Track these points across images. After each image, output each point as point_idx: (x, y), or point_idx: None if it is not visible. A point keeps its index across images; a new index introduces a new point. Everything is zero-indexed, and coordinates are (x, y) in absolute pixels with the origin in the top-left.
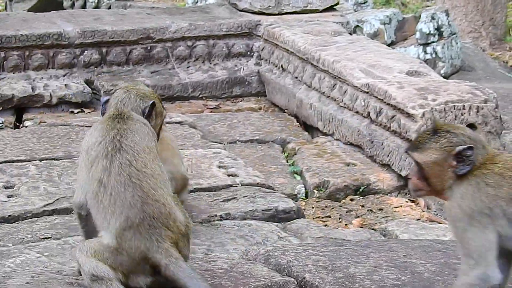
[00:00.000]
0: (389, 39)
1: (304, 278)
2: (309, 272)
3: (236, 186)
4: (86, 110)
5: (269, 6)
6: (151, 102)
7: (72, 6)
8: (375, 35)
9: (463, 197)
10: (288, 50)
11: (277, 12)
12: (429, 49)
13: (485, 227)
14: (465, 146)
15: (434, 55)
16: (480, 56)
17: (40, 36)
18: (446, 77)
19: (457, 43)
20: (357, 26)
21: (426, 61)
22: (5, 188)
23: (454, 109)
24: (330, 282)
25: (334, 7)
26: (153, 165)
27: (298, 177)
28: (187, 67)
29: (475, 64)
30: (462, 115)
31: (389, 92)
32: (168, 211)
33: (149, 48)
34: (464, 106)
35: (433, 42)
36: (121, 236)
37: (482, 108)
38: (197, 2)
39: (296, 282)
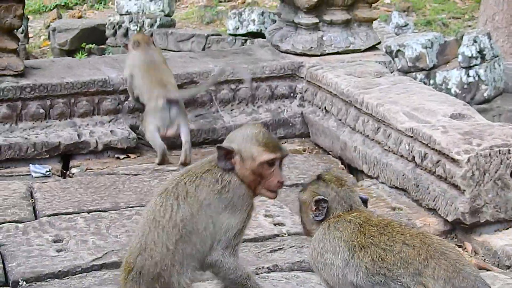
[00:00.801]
0: (431, 63)
1: None
2: None
3: (283, 236)
4: (132, 156)
5: (311, 47)
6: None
7: (114, 34)
8: (417, 59)
9: (315, 239)
10: (331, 92)
11: (319, 53)
12: (471, 72)
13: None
14: (321, 198)
15: (477, 78)
16: None
17: (85, 84)
18: (489, 100)
19: (499, 65)
20: (399, 50)
21: (469, 84)
22: (54, 242)
23: (500, 153)
24: None
25: (376, 46)
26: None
27: None
28: (231, 110)
29: None
30: (508, 159)
31: (433, 137)
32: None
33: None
34: (509, 150)
35: (475, 65)
36: None
37: None
38: (237, 28)
39: None
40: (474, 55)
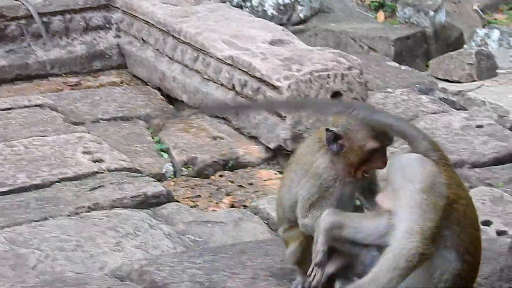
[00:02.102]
0: None
1: None
2: None
3: (103, 173)
4: None
5: None
6: None
7: None
8: None
9: None
10: (148, 22)
11: None
12: None
13: None
14: None
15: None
16: None
17: None
18: (305, 20)
19: None
20: None
21: (285, 5)
22: None
23: (320, 78)
24: None
25: None
26: None
27: (166, 155)
28: (44, 44)
29: (333, 5)
30: (327, 83)
31: (253, 64)
32: None
33: (2, 27)
34: (329, 75)
35: None
36: None
37: (347, 76)
38: None
39: None
40: None
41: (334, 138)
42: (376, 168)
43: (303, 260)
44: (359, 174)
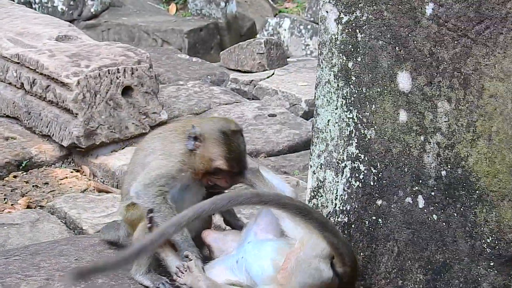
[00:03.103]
0: None
1: None
2: None
3: None
4: None
5: None
6: None
7: None
8: None
9: None
10: None
11: None
12: None
13: None
14: None
15: None
16: None
17: None
18: (97, 15)
19: None
20: None
21: (75, 0)
22: None
23: (109, 73)
24: None
25: None
26: None
27: None
28: None
29: None
30: (117, 78)
31: (40, 61)
32: None
33: None
34: (118, 69)
35: None
36: None
37: (137, 70)
38: None
39: None
40: None
41: (194, 137)
42: (218, 185)
43: None
44: (204, 180)
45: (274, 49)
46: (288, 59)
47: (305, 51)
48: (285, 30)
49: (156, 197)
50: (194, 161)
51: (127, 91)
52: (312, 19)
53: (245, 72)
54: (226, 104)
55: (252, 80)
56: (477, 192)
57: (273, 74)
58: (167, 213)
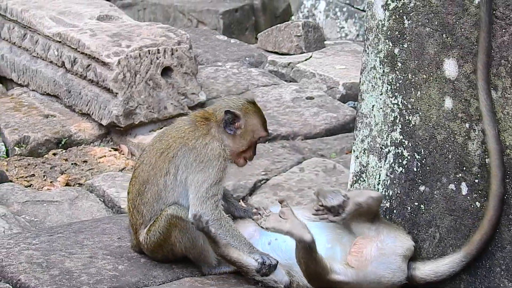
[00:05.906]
0: None
1: (19, 279)
2: (24, 272)
3: None
4: None
5: None
6: None
7: None
8: None
9: None
10: None
11: None
12: None
13: None
14: None
15: None
16: None
17: None
18: None
19: None
20: None
21: None
22: None
23: (149, 53)
24: (47, 281)
25: None
26: None
27: None
28: None
29: None
30: (157, 58)
31: (82, 41)
32: None
33: None
34: (158, 50)
35: None
36: None
37: (177, 50)
38: None
39: (11, 286)
40: None
41: (232, 120)
42: (247, 158)
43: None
44: (241, 160)
45: (312, 31)
46: (325, 42)
47: (339, 33)
48: (320, 12)
49: (214, 212)
50: (233, 144)
51: (166, 71)
52: (347, 1)
53: (282, 54)
54: (264, 86)
55: (290, 63)
56: None
57: (310, 57)
58: (228, 227)
